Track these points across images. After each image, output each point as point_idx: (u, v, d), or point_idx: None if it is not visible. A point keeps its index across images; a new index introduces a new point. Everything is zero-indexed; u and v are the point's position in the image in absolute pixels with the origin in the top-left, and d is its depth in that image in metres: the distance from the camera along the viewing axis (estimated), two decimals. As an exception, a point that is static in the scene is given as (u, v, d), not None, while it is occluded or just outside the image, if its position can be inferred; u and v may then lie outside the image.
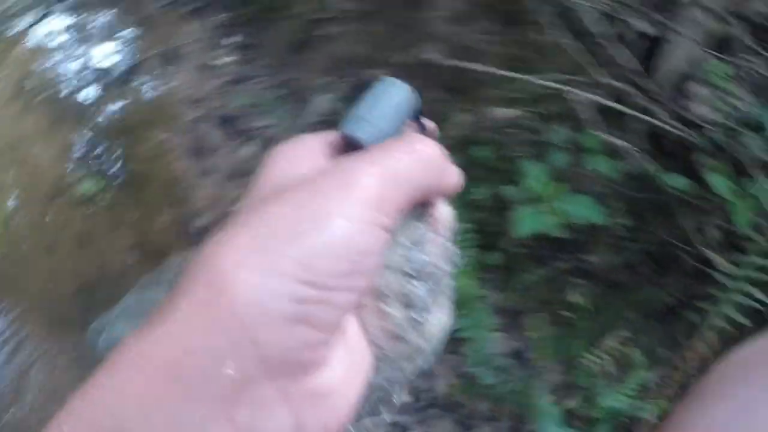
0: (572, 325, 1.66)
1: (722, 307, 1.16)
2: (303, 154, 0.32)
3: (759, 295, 1.13)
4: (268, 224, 0.27)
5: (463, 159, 1.67)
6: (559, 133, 1.38)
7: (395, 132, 0.33)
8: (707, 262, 1.39)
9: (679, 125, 1.57)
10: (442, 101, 1.74)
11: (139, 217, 1.82)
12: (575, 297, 1.69)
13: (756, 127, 1.54)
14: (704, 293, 1.31)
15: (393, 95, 0.33)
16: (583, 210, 1.28)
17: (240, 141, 2.00)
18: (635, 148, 1.37)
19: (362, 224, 0.28)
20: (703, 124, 1.55)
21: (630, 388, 1.27)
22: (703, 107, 1.60)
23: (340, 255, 0.27)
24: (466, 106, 1.70)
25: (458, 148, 1.64)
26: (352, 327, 0.31)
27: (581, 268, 1.69)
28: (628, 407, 1.25)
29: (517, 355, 1.71)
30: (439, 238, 0.34)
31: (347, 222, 0.28)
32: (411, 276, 0.32)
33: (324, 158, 0.32)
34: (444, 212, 0.35)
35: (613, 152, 1.37)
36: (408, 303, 0.32)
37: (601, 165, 1.33)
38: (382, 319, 0.32)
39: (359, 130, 0.32)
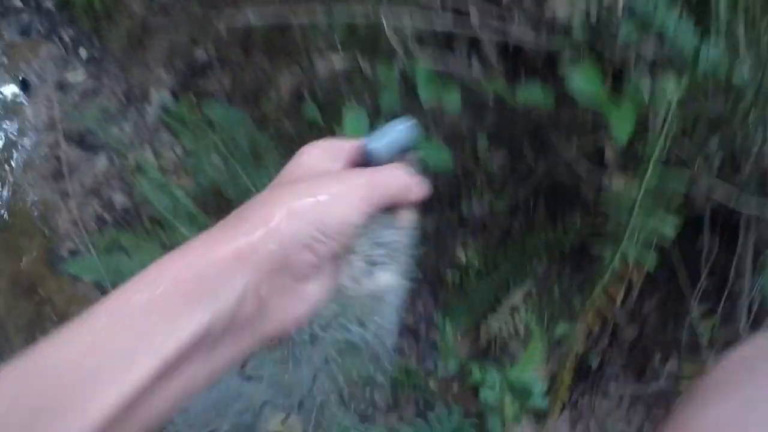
0: (469, 288, 1.41)
1: (619, 247, 0.90)
2: (321, 156, 0.49)
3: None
4: (306, 192, 0.44)
5: (298, 124, 1.43)
6: (386, 72, 1.10)
7: (397, 153, 0.50)
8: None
9: (539, 35, 1.30)
10: (263, 69, 1.46)
11: (6, 257, 1.85)
12: (466, 257, 1.43)
13: (628, 12, 1.29)
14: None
15: (405, 130, 0.50)
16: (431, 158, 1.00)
17: (95, 155, 1.97)
18: (478, 72, 1.09)
19: (354, 209, 0.45)
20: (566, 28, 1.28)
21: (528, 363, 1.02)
22: (560, 7, 1.32)
23: (340, 221, 0.44)
24: (292, 64, 1.42)
25: (292, 112, 1.53)
26: (329, 266, 0.47)
27: (466, 225, 1.43)
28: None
29: (415, 335, 1.54)
30: (401, 229, 0.50)
31: (347, 204, 0.45)
32: (374, 244, 0.48)
33: (336, 161, 0.50)
34: (408, 215, 0.50)
35: (450, 83, 1.08)
36: (368, 259, 0.48)
37: (445, 98, 1.04)
38: (348, 266, 0.48)
39: (376, 148, 0.49)
